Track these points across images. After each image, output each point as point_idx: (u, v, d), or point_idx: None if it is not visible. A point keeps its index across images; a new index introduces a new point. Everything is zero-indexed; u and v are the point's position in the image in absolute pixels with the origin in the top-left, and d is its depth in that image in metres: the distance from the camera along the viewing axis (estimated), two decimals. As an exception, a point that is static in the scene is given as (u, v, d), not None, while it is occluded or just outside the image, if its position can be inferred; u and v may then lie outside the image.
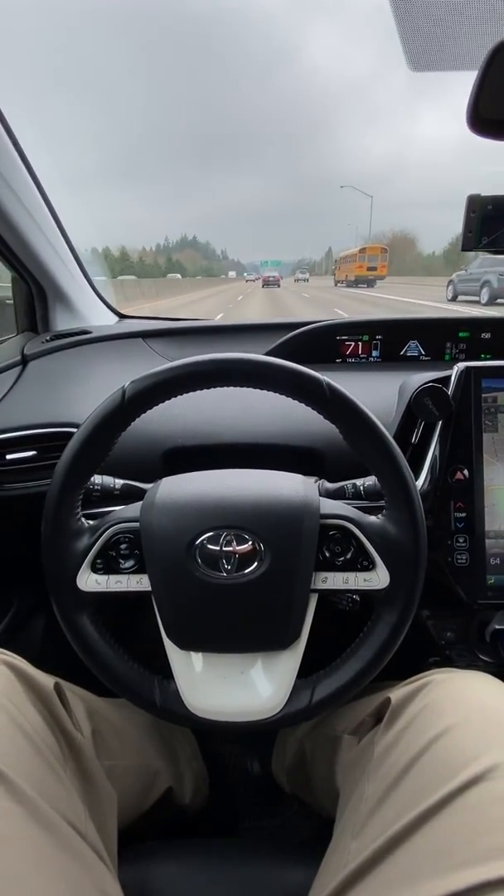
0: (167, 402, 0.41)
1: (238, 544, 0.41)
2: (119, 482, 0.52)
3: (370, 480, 0.50)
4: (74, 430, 0.41)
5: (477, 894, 0.26)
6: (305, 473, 0.48)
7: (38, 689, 0.41)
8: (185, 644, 0.43)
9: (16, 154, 0.74)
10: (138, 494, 0.50)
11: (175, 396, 0.40)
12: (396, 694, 0.42)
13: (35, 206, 0.82)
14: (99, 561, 0.42)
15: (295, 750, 0.60)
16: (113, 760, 0.47)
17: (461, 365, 0.56)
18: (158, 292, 23.35)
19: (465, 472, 0.55)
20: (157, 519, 0.41)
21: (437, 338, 0.81)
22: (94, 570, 0.42)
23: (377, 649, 0.42)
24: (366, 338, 0.81)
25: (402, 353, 0.82)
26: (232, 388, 0.40)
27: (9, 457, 0.63)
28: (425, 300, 11.17)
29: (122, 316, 1.12)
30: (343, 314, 0.92)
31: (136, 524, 0.42)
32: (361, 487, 0.51)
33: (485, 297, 9.36)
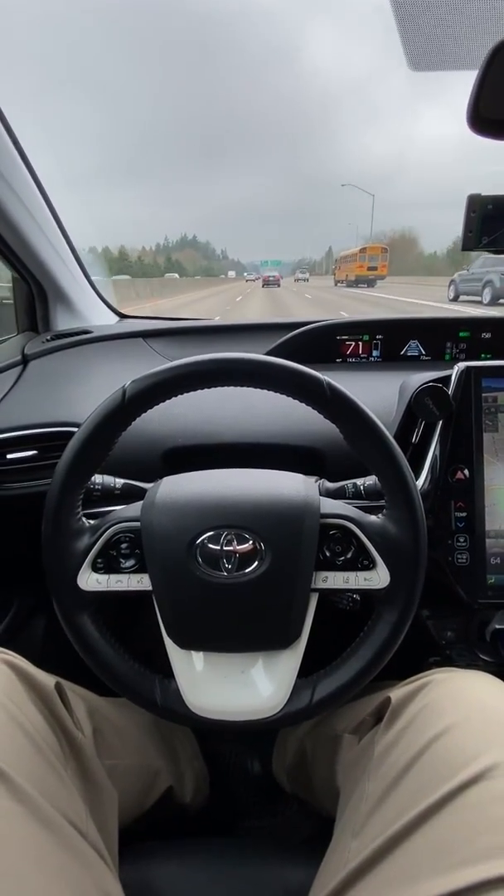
0: (168, 401, 0.41)
1: (238, 544, 0.41)
2: (119, 482, 0.52)
3: (370, 480, 0.50)
4: (75, 429, 0.41)
5: (477, 893, 0.26)
6: (306, 473, 0.48)
7: (38, 688, 0.41)
8: (186, 643, 0.43)
9: (16, 153, 0.74)
10: (139, 494, 0.50)
11: (175, 396, 0.40)
12: (397, 693, 0.42)
13: (36, 205, 0.82)
14: (99, 560, 0.42)
15: (295, 749, 0.60)
16: (114, 760, 0.47)
17: (461, 365, 0.56)
18: (153, 292, 22.95)
19: (466, 471, 0.55)
20: (157, 518, 0.42)
21: (437, 337, 0.81)
22: (95, 569, 0.42)
23: (377, 649, 0.42)
24: (366, 337, 0.81)
25: (402, 352, 0.82)
26: (232, 387, 0.40)
27: (9, 456, 0.63)
28: (426, 300, 11.15)
29: (122, 316, 1.12)
30: (346, 316, 0.92)
31: (137, 524, 0.42)
32: (362, 487, 0.51)
33: (487, 297, 9.27)
